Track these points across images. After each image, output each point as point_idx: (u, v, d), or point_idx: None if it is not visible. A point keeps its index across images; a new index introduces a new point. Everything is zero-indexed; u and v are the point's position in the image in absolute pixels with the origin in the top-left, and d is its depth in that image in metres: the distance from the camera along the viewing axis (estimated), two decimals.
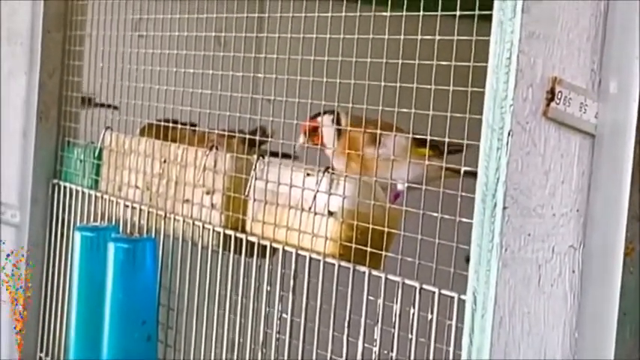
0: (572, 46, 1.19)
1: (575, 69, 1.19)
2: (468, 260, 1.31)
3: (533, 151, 1.17)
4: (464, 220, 1.28)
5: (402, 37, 1.41)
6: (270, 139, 1.79)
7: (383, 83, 1.44)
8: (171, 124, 1.91)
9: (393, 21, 1.44)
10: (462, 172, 1.32)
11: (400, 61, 1.41)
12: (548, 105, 1.17)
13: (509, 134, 1.15)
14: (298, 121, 1.64)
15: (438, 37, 1.33)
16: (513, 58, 1.14)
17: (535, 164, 1.18)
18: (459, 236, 1.31)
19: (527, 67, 1.15)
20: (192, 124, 1.83)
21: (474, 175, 1.25)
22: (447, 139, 1.37)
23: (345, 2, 1.52)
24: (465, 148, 1.32)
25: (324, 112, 1.66)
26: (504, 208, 1.15)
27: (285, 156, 1.68)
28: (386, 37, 1.44)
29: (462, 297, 1.28)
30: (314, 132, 1.71)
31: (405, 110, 1.41)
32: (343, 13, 1.50)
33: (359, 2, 1.49)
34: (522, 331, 1.19)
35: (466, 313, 1.19)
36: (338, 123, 1.69)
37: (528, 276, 1.19)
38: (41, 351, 2.21)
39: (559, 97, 1.17)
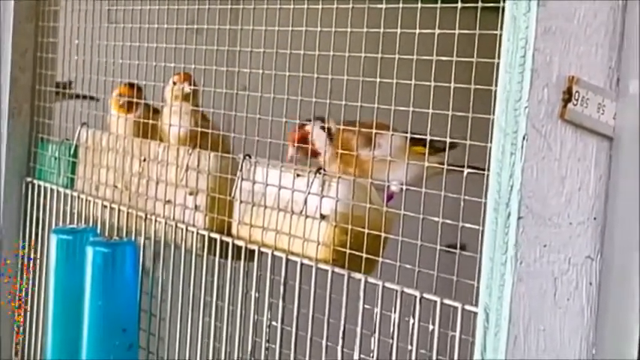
0: (589, 43, 1.11)
1: (592, 67, 1.11)
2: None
3: (549, 155, 1.09)
4: (467, 225, 1.22)
5: (398, 30, 1.34)
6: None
7: (378, 79, 1.37)
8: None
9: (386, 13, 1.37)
10: (465, 173, 1.27)
11: (409, 58, 1.34)
12: (564, 106, 1.09)
13: (524, 138, 1.07)
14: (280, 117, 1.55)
15: (438, 32, 1.26)
16: (528, 56, 1.06)
17: (551, 170, 1.10)
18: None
19: (542, 66, 1.07)
20: None
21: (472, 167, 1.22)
22: (447, 139, 1.32)
23: None
24: (467, 143, 1.26)
25: (311, 120, 1.59)
26: (519, 217, 1.07)
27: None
28: (381, 30, 1.37)
29: (467, 307, 1.21)
30: (303, 141, 1.62)
31: (402, 108, 1.34)
32: (335, 5, 1.43)
33: None
34: (537, 349, 1.11)
35: (477, 330, 1.12)
36: (328, 130, 1.61)
37: (544, 290, 1.11)
38: None
39: (576, 97, 1.09)
